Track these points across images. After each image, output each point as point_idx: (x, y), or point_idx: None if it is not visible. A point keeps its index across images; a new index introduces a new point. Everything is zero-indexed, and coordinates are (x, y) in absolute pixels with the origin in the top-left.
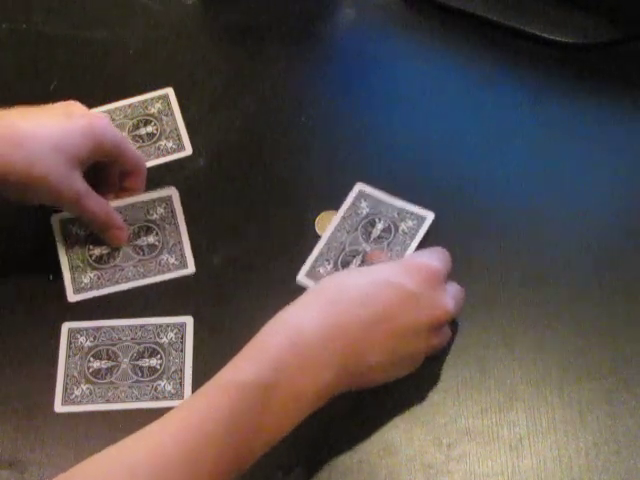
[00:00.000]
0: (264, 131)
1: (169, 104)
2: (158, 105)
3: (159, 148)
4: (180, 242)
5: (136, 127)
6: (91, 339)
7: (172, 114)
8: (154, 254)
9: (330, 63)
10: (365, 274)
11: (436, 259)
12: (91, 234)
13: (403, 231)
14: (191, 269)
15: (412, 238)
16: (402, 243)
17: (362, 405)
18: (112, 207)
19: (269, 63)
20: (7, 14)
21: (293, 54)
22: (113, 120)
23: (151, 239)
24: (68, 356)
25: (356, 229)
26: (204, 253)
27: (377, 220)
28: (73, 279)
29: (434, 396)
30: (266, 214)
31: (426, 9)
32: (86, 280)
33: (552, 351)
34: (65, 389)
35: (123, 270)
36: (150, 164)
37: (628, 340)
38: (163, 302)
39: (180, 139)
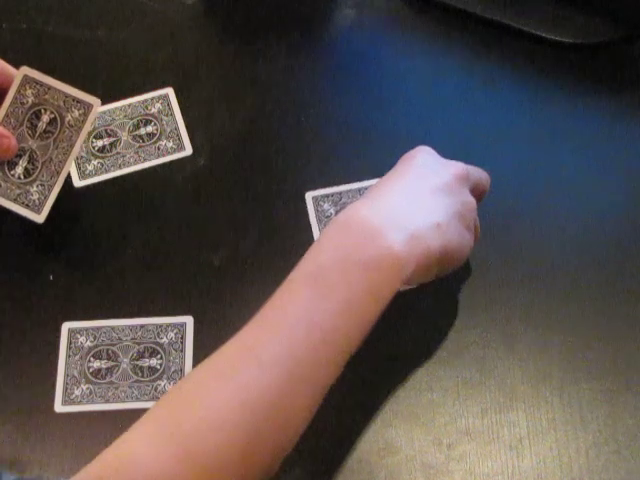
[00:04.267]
0: (264, 131)
1: (169, 104)
2: (158, 105)
3: (159, 148)
4: (70, 97)
5: (136, 127)
6: (91, 339)
7: (172, 114)
8: (59, 125)
9: (330, 63)
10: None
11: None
12: None
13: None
14: (96, 103)
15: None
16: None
17: (362, 405)
18: None
19: (269, 63)
20: (7, 14)
21: (293, 54)
22: (113, 120)
23: (46, 117)
24: (68, 356)
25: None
26: (204, 253)
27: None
28: (27, 206)
29: (434, 396)
30: (266, 214)
31: (426, 9)
32: (34, 197)
33: (552, 351)
34: (65, 389)
35: (51, 161)
36: (150, 164)
37: (628, 340)
38: (163, 302)
39: (180, 139)
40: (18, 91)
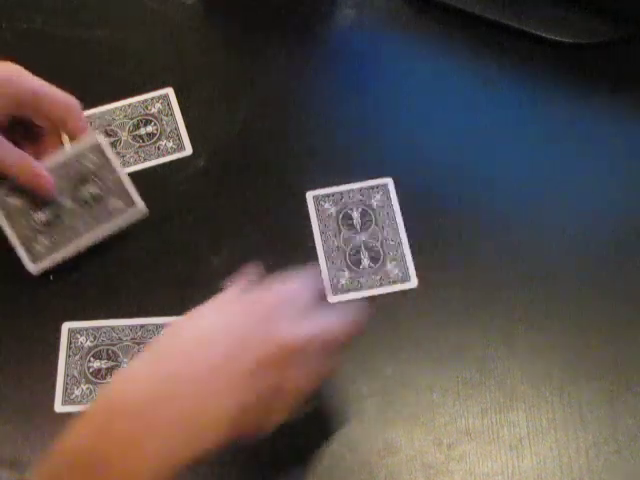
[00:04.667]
0: (264, 131)
1: (169, 104)
2: (158, 105)
3: (159, 148)
4: (122, 185)
5: (136, 127)
6: (91, 339)
7: (172, 114)
8: (99, 203)
9: (330, 63)
10: (201, 319)
11: (298, 285)
12: (30, 201)
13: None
14: (140, 207)
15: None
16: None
17: (362, 405)
18: (29, 156)
19: (269, 63)
20: (7, 14)
21: (293, 54)
22: (113, 120)
23: (92, 188)
24: (68, 356)
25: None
26: (204, 253)
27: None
28: (28, 251)
29: (434, 396)
30: (266, 214)
31: (426, 9)
32: (39, 247)
33: (552, 351)
34: (65, 389)
35: (73, 228)
36: (150, 164)
37: (628, 340)
38: (163, 302)
39: (180, 139)
40: (82, 151)
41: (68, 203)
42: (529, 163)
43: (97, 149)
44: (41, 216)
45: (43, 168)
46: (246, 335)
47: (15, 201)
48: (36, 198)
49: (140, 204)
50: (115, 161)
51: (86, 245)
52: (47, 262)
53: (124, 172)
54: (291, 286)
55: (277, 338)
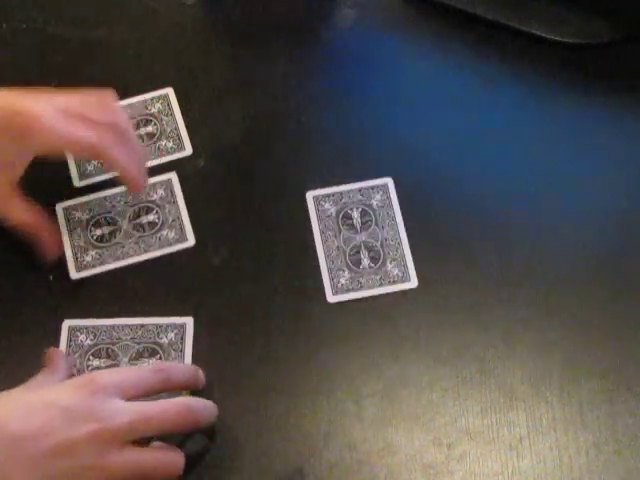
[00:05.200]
0: (264, 131)
1: (169, 104)
2: (158, 105)
3: (159, 148)
4: (180, 220)
5: (136, 127)
6: (91, 337)
7: (172, 114)
8: (153, 230)
9: (330, 63)
10: (23, 397)
11: (117, 373)
12: (92, 217)
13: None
14: (191, 243)
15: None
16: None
17: (362, 405)
18: (40, 213)
19: (269, 63)
20: (7, 14)
21: (293, 54)
22: None
23: (151, 217)
24: (68, 354)
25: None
26: (204, 253)
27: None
28: (75, 258)
29: (434, 396)
30: (266, 214)
31: (426, 9)
32: (88, 258)
33: (552, 351)
34: None
35: (124, 247)
36: (150, 164)
37: (628, 340)
38: (163, 302)
39: (180, 139)
40: (153, 183)
41: (125, 224)
42: (529, 163)
43: (167, 184)
44: (98, 232)
45: (50, 226)
46: (70, 408)
47: (80, 215)
48: (98, 216)
49: (192, 241)
50: (180, 198)
51: (128, 264)
52: (88, 273)
53: (185, 208)
54: (131, 371)
55: (102, 416)
